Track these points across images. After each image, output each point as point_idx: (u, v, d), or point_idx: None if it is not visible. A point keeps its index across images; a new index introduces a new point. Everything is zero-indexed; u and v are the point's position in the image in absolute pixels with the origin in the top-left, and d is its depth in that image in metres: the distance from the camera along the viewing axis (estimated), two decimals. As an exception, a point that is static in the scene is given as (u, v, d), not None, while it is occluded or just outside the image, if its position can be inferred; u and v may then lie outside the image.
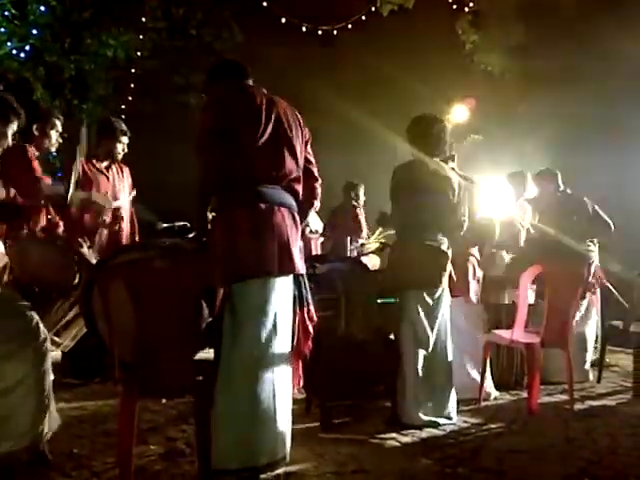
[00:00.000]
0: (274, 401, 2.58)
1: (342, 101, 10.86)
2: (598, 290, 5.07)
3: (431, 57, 10.02)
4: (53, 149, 4.13)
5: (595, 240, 5.07)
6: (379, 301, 3.59)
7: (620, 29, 7.48)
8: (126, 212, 4.57)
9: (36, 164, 3.85)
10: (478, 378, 4.03)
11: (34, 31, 7.98)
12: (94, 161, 4.44)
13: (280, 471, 2.63)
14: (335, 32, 9.65)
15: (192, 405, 2.78)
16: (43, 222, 3.72)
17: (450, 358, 3.62)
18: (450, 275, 3.68)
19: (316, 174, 3.02)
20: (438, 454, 3.05)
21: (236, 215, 2.62)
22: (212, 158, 2.58)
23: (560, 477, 2.78)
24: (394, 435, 3.33)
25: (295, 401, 2.80)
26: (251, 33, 10.10)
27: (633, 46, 7.66)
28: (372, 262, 4.93)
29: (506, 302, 4.62)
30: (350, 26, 9.58)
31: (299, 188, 2.83)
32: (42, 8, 7.97)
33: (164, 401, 3.65)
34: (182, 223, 3.75)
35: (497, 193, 5.78)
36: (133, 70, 9.33)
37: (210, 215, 2.71)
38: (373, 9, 9.66)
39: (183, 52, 9.76)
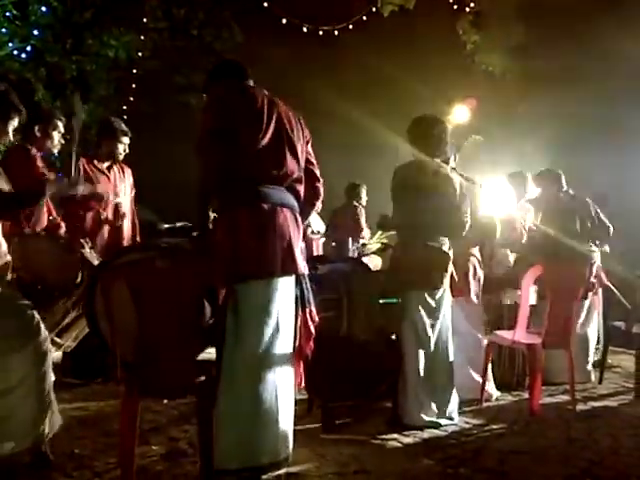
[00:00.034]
0: (276, 401, 2.58)
1: (343, 102, 10.86)
2: (600, 291, 5.07)
3: (432, 57, 10.02)
4: (55, 150, 4.13)
5: (596, 241, 5.06)
6: (381, 301, 3.58)
7: (620, 29, 7.48)
8: (128, 213, 4.57)
9: (39, 164, 3.85)
10: (479, 378, 4.03)
11: (35, 32, 7.99)
12: (95, 162, 4.44)
13: (282, 472, 2.63)
14: (336, 32, 9.64)
15: (194, 405, 2.78)
16: (44, 223, 3.72)
17: (451, 358, 3.62)
18: (451, 275, 3.68)
19: (318, 174, 3.02)
20: (440, 455, 3.05)
21: (239, 215, 2.61)
22: (213, 158, 2.58)
23: (562, 478, 2.78)
24: (396, 436, 3.32)
25: (297, 402, 2.80)
26: (252, 33, 10.11)
27: (633, 46, 7.66)
28: (374, 263, 4.92)
29: (508, 303, 4.62)
30: (351, 26, 9.58)
31: (300, 188, 2.83)
32: (43, 9, 7.98)
33: (166, 401, 3.65)
34: (182, 223, 3.75)
35: (498, 193, 5.77)
36: (134, 70, 9.33)
37: (211, 215, 2.71)
38: (374, 9, 9.65)
39: (184, 52, 9.77)
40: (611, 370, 5.05)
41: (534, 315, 4.30)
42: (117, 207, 4.45)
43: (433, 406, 3.50)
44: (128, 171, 4.66)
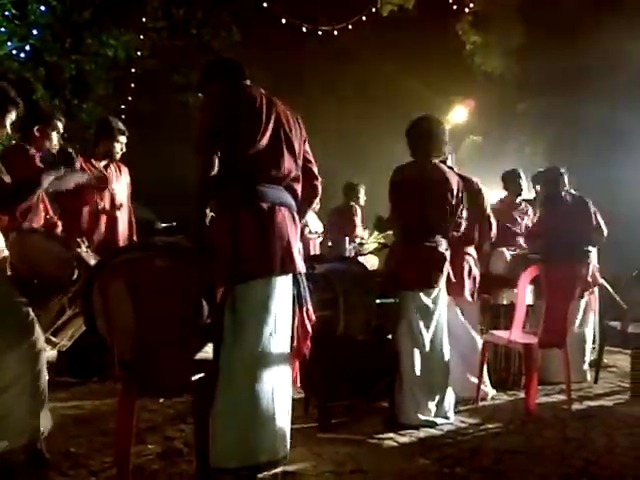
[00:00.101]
0: (274, 400, 2.59)
1: (341, 101, 10.88)
2: (596, 290, 5.07)
3: (431, 58, 10.04)
4: (54, 150, 4.13)
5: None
6: (377, 301, 3.59)
7: (620, 30, 7.49)
8: (125, 212, 4.57)
9: (37, 164, 3.85)
10: (473, 377, 4.04)
11: (34, 31, 8.00)
12: (93, 160, 4.44)
13: (278, 470, 2.63)
14: (335, 32, 9.65)
15: (190, 404, 2.78)
16: (41, 222, 3.72)
17: (447, 358, 3.62)
18: (447, 274, 3.69)
19: (316, 173, 3.03)
20: (436, 454, 3.05)
21: (239, 215, 2.61)
22: (211, 158, 2.58)
23: (558, 477, 2.79)
24: (392, 435, 3.33)
25: (293, 401, 2.80)
26: (250, 33, 10.13)
27: (633, 46, 7.67)
28: (371, 262, 4.93)
29: (505, 302, 4.62)
30: (350, 26, 9.58)
31: (298, 188, 2.84)
32: (42, 8, 7.98)
33: (162, 400, 3.65)
34: (169, 224, 3.75)
35: (496, 193, 5.78)
36: (133, 70, 9.34)
37: (209, 215, 2.71)
38: (373, 10, 9.66)
39: (183, 51, 9.79)
40: (607, 370, 5.05)
41: (531, 315, 4.31)
42: (113, 197, 4.46)
43: (429, 405, 3.50)
44: (125, 170, 4.67)
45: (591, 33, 7.79)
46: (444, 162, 3.90)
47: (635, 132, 7.60)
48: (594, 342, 5.07)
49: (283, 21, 9.19)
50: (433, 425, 3.46)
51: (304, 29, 9.46)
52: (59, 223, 3.85)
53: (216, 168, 2.60)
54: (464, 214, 3.74)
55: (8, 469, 2.58)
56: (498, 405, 4.04)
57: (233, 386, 2.54)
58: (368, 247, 5.35)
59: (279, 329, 2.64)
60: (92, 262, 2.93)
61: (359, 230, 6.77)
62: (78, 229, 4.12)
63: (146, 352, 2.48)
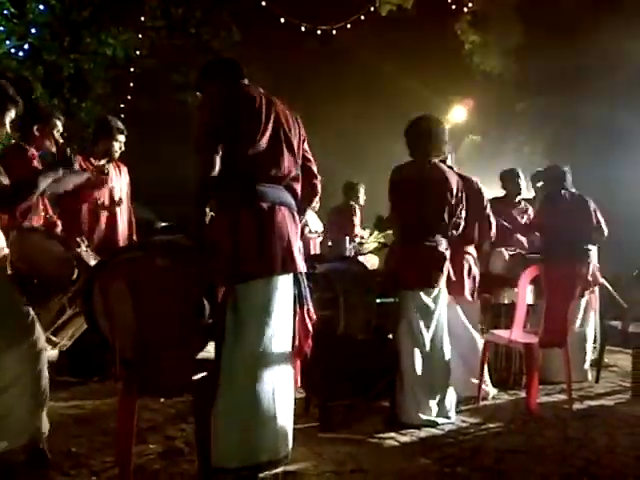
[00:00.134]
0: (275, 400, 2.58)
1: (340, 101, 10.87)
2: (597, 290, 5.08)
3: (430, 57, 10.04)
4: (53, 149, 4.13)
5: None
6: (378, 301, 3.58)
7: (619, 29, 7.50)
8: (124, 211, 4.57)
9: (36, 164, 3.84)
10: (473, 376, 4.03)
11: (33, 30, 7.99)
12: (92, 159, 4.44)
13: (279, 470, 2.63)
14: (334, 32, 9.65)
15: (191, 404, 2.78)
16: (41, 221, 3.71)
17: (448, 357, 3.62)
18: (448, 274, 3.69)
19: (315, 171, 3.02)
20: (437, 454, 3.05)
21: (239, 215, 2.61)
22: (212, 157, 2.57)
23: (559, 476, 2.79)
24: (393, 435, 3.32)
25: (294, 400, 2.79)
26: (249, 32, 10.12)
27: (633, 46, 7.68)
28: (371, 262, 4.92)
29: (506, 302, 4.62)
30: (349, 26, 9.58)
31: (298, 187, 2.84)
32: (41, 7, 7.98)
33: (162, 400, 3.65)
34: (167, 224, 3.74)
35: (495, 193, 5.77)
36: (132, 69, 9.33)
37: (208, 214, 2.71)
38: (372, 9, 9.66)
39: (182, 50, 9.78)
40: (608, 369, 5.05)
41: (532, 315, 4.30)
42: (112, 193, 4.45)
43: (430, 405, 3.50)
44: (124, 169, 4.66)
45: (590, 33, 7.79)
46: (444, 161, 3.90)
47: (634, 132, 7.61)
48: (595, 341, 5.07)
49: (282, 20, 9.18)
50: (434, 425, 3.46)
51: (303, 28, 9.45)
52: (59, 222, 3.84)
53: (216, 168, 2.60)
54: (463, 214, 3.74)
55: (8, 469, 2.57)
56: (499, 405, 4.04)
57: (234, 386, 2.53)
58: (368, 246, 5.35)
59: (280, 329, 2.64)
60: (92, 262, 2.92)
61: (357, 229, 6.77)
62: (78, 228, 4.12)
63: (147, 352, 2.47)
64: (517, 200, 5.42)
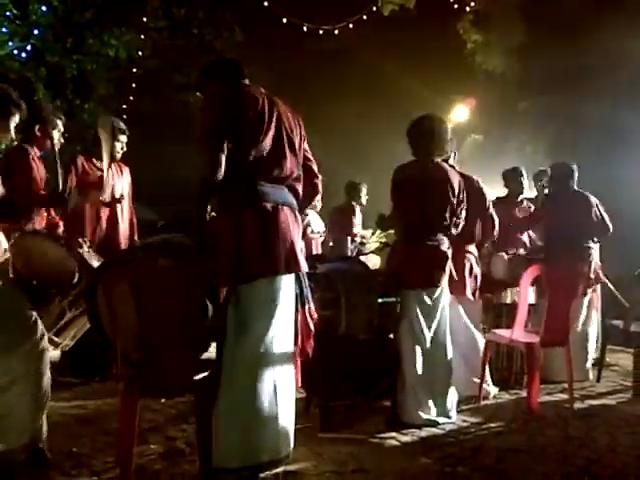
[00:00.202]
0: (276, 400, 2.58)
1: (342, 101, 10.88)
2: (599, 289, 5.07)
3: (432, 57, 10.04)
4: (55, 149, 4.14)
5: (595, 239, 5.04)
6: (379, 300, 3.58)
7: (621, 28, 7.49)
8: (126, 211, 4.58)
9: (38, 164, 3.86)
10: (474, 375, 4.03)
11: (36, 31, 8.01)
12: (94, 160, 4.45)
13: (279, 470, 2.63)
14: (336, 32, 9.65)
15: (192, 404, 2.78)
16: (43, 222, 3.73)
17: (449, 357, 3.62)
18: (450, 273, 3.69)
19: (316, 171, 3.02)
20: (438, 453, 3.05)
21: (242, 216, 2.61)
22: (217, 156, 2.57)
23: (560, 476, 2.79)
24: (394, 434, 3.33)
25: (295, 400, 2.80)
26: (252, 32, 10.13)
27: (634, 45, 7.67)
28: (372, 261, 4.93)
29: (508, 302, 4.62)
30: (351, 26, 9.57)
31: (299, 187, 2.83)
32: (44, 8, 8.00)
33: (163, 400, 3.65)
34: (165, 223, 3.75)
35: (497, 192, 5.77)
36: (134, 70, 9.35)
37: (210, 214, 2.71)
38: (374, 9, 9.65)
39: (184, 51, 9.80)
40: (609, 368, 5.05)
41: (533, 314, 4.30)
42: (113, 190, 4.46)
43: (431, 404, 3.50)
44: (126, 169, 4.67)
45: (592, 32, 7.78)
46: (446, 161, 3.90)
47: (636, 131, 7.60)
48: (596, 341, 5.06)
49: (284, 21, 9.18)
50: (435, 424, 3.46)
51: (305, 29, 9.45)
52: (61, 223, 3.85)
53: (218, 168, 2.60)
54: (463, 213, 3.73)
55: (9, 469, 2.58)
56: (500, 404, 4.04)
57: (235, 386, 2.53)
58: (370, 246, 5.35)
59: (282, 329, 2.64)
60: (94, 262, 2.93)
61: (356, 229, 6.76)
62: (80, 229, 4.13)
63: (150, 352, 2.47)
64: (519, 199, 5.42)
